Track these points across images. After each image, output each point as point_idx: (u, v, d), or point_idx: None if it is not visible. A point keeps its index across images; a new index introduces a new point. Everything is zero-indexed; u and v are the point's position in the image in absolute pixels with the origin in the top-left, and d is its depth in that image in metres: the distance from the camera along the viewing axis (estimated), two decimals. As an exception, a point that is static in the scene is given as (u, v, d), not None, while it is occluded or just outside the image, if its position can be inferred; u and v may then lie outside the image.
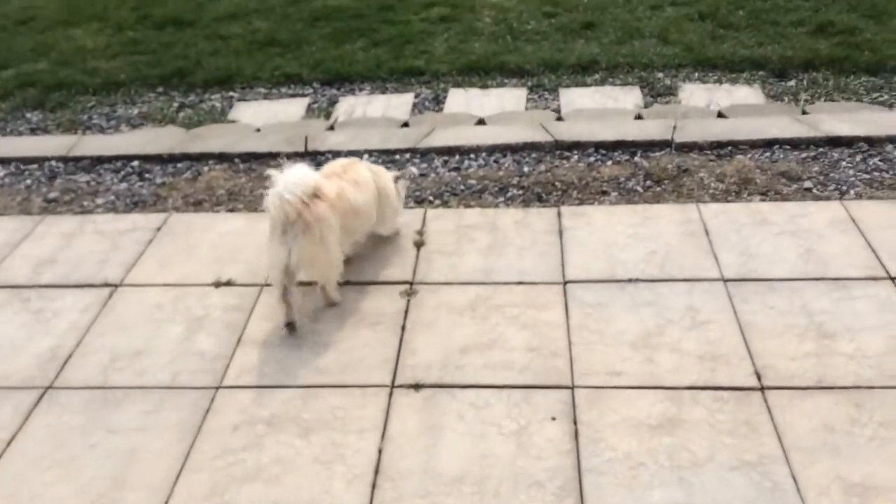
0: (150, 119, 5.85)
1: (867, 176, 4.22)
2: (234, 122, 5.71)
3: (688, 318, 3.31)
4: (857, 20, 6.38)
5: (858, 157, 4.42)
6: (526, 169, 4.61)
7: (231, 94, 6.21)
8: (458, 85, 6.03)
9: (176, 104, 6.07)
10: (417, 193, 4.46)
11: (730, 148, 4.58)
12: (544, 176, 4.45)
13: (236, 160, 5.04)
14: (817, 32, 6.28)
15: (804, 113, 5.05)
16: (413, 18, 7.18)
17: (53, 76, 6.50)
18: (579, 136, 4.85)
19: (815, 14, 6.59)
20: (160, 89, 6.31)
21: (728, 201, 4.04)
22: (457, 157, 4.89)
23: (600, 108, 5.42)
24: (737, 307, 3.34)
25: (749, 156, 4.46)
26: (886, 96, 5.36)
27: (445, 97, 5.86)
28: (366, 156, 4.91)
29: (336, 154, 4.86)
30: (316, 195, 3.24)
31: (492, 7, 7.32)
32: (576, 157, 4.64)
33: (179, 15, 7.48)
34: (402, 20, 7.14)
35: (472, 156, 4.87)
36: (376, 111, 5.68)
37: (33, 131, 5.78)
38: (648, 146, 4.63)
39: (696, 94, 5.62)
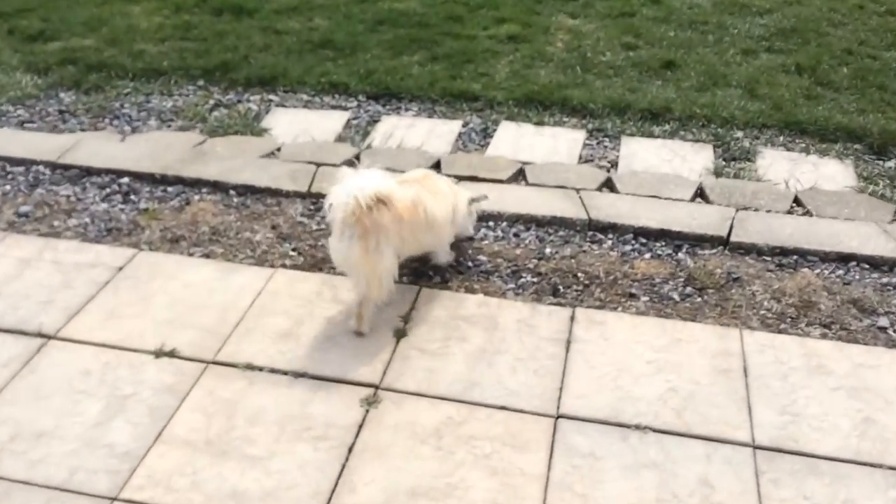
0: (181, 115, 5.52)
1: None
2: (265, 130, 5.32)
3: (698, 496, 2.68)
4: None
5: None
6: (548, 250, 3.99)
7: (272, 96, 5.83)
8: (512, 117, 5.49)
9: (212, 102, 5.72)
10: (416, 265, 3.83)
11: (796, 257, 3.83)
12: (567, 262, 3.85)
13: (231, 192, 4.55)
14: (932, 103, 5.49)
15: None
16: (480, 34, 6.65)
17: (97, 55, 6.24)
18: (618, 218, 4.18)
19: (933, 81, 5.77)
20: (200, 82, 5.98)
21: (780, 331, 3.34)
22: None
23: (659, 173, 4.78)
24: (763, 491, 2.68)
25: (817, 271, 3.72)
26: None
27: (495, 130, 5.33)
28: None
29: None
30: (383, 202, 3.09)
31: (568, 31, 6.73)
32: (610, 242, 4.01)
33: (241, 1, 7.15)
34: (467, 34, 6.62)
35: (490, 223, 4.27)
36: (416, 139, 5.20)
37: (61, 114, 5.53)
38: (698, 241, 3.95)
39: (776, 163, 4.94)
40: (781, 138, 5.25)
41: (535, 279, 3.76)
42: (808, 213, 4.31)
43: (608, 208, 4.25)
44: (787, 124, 5.32)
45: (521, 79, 5.93)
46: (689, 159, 5.00)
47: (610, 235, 4.09)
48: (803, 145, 5.15)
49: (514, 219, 4.27)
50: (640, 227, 4.10)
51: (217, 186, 4.56)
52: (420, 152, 4.97)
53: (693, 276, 3.65)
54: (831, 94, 5.67)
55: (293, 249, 4.01)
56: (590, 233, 4.09)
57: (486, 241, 4.09)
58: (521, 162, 4.89)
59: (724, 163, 4.97)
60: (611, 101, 5.59)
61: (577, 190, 4.48)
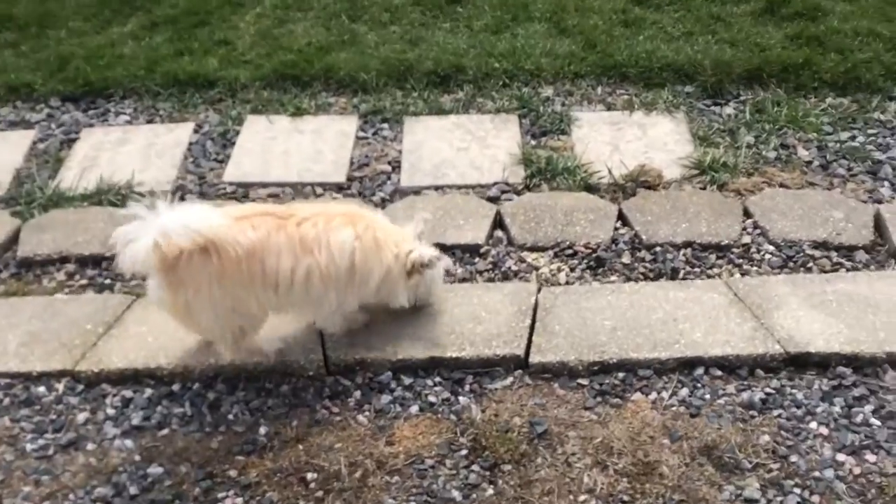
0: None
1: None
2: None
3: None
4: (820, -7, 4.68)
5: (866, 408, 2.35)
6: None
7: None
8: (260, 108, 4.13)
9: None
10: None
11: (623, 375, 2.48)
12: (293, 451, 2.43)
13: None
14: (766, 14, 4.57)
15: (746, 215, 3.25)
16: (216, -22, 5.09)
17: None
18: (367, 350, 2.68)
19: (763, -19, 4.83)
20: None
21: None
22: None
23: (450, 183, 3.59)
24: None
25: (653, 395, 2.43)
26: (868, 136, 3.76)
27: (239, 131, 3.98)
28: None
29: None
30: (202, 247, 2.38)
31: (331, -42, 5.27)
32: (358, 393, 2.59)
33: None
34: (199, -19, 5.05)
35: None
36: (127, 164, 3.77)
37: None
38: (487, 367, 2.54)
39: (595, 132, 3.91)
40: (599, 90, 4.20)
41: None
42: (635, 240, 3.16)
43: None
44: (605, 69, 4.27)
45: (271, 43, 4.52)
46: (491, 142, 3.88)
47: (406, 379, 2.56)
48: (626, 97, 4.13)
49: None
50: (400, 360, 2.61)
51: None
52: (109, 214, 3.43)
53: (481, 441, 2.34)
54: (652, 14, 4.64)
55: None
56: (325, 392, 2.60)
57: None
58: (271, 191, 3.60)
59: (533, 141, 3.89)
60: (387, 63, 4.32)
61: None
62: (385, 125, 4.03)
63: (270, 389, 2.56)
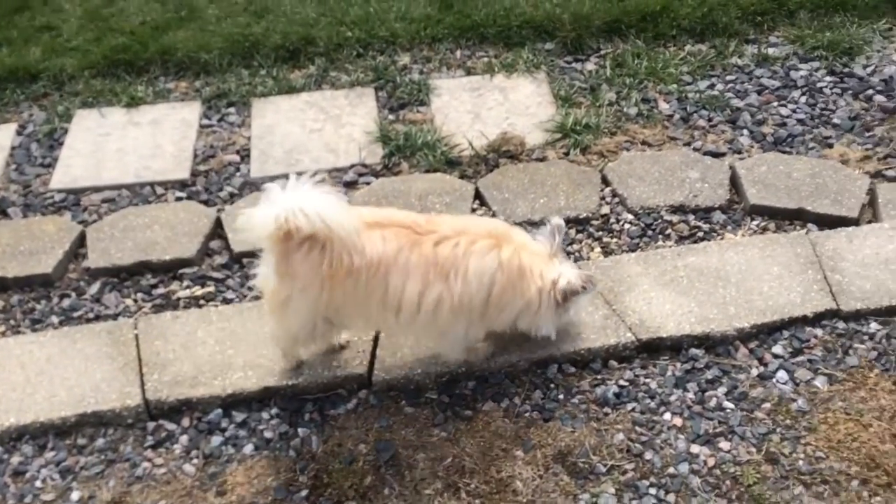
0: None
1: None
2: None
3: None
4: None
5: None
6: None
7: None
8: (91, 100, 3.76)
9: None
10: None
11: (472, 384, 2.30)
12: None
13: None
14: (623, -39, 4.44)
15: (604, 183, 3.11)
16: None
17: None
18: (176, 390, 2.42)
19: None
20: None
21: None
22: None
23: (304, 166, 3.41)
24: None
25: (505, 403, 2.27)
26: (727, 83, 3.71)
27: (68, 129, 3.62)
28: None
29: None
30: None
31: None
32: (185, 440, 2.34)
33: None
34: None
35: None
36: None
37: None
38: (328, 391, 2.34)
39: (456, 100, 3.73)
40: (458, 53, 4.01)
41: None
42: (483, 210, 3.04)
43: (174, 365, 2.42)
44: (463, 31, 4.06)
45: (100, 25, 4.11)
46: (346, 120, 3.65)
47: (239, 415, 2.33)
48: (486, 60, 3.95)
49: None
50: (231, 395, 2.35)
51: None
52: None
53: (323, 478, 2.14)
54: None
55: None
56: (147, 441, 2.32)
57: None
58: (105, 196, 3.28)
59: (391, 115, 3.68)
60: (231, 40, 3.99)
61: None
62: (231, 109, 3.74)
63: (84, 445, 2.30)
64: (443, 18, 4.10)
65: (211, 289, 2.77)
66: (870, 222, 2.90)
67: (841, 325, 2.41)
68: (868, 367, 2.31)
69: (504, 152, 3.48)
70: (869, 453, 2.11)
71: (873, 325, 2.41)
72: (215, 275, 2.81)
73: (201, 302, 2.72)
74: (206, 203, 3.26)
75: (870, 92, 3.64)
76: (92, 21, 4.14)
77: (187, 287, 2.77)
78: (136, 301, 2.74)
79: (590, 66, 3.92)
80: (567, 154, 3.46)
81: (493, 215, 3.02)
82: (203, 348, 2.42)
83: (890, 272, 2.51)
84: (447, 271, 2.17)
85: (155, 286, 2.79)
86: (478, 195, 3.11)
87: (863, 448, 2.12)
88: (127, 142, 3.55)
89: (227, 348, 2.41)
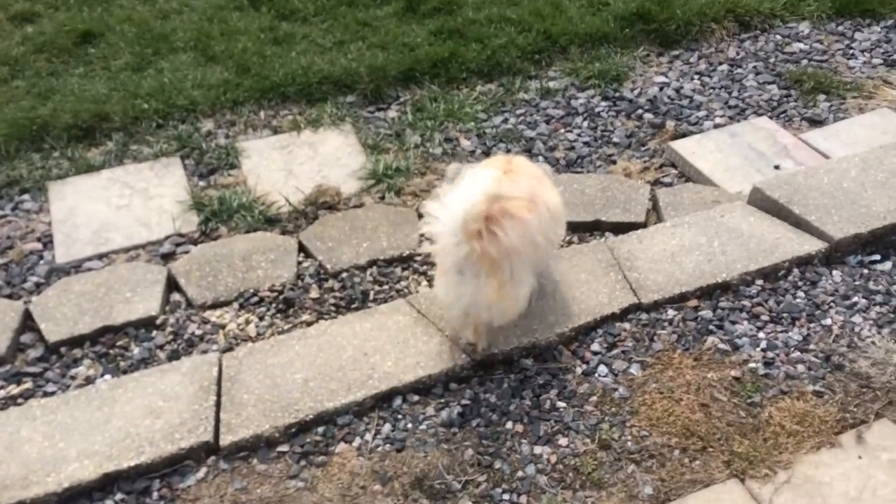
0: None
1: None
2: None
3: None
4: (452, -14, 4.91)
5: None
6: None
7: None
8: None
9: None
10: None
11: (323, 429, 2.33)
12: None
13: None
14: (408, 13, 4.70)
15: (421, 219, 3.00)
16: None
17: None
18: None
19: (400, -20, 4.97)
20: None
21: None
22: None
23: (109, 252, 3.24)
24: None
25: (357, 442, 2.31)
26: (518, 116, 4.02)
27: None
28: None
29: None
30: (496, 218, 2.18)
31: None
32: None
33: None
34: None
35: None
36: None
37: None
38: (171, 466, 2.24)
39: (267, 160, 3.76)
40: (262, 114, 4.05)
41: None
42: (321, 271, 3.04)
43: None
44: (264, 92, 4.11)
45: None
46: (155, 192, 3.56)
47: None
48: (291, 117, 4.03)
49: None
50: (67, 489, 2.17)
51: None
52: None
53: None
54: (301, 28, 4.56)
55: None
56: None
57: None
58: None
59: (202, 182, 3.64)
60: (16, 125, 3.78)
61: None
62: (26, 196, 3.53)
63: None
64: (241, 82, 4.14)
65: (28, 385, 2.58)
66: (656, 224, 3.27)
67: (644, 315, 2.69)
68: (672, 349, 2.59)
69: (322, 204, 3.55)
70: (684, 424, 2.36)
71: (670, 312, 2.71)
72: (31, 370, 2.62)
73: (20, 400, 2.53)
74: (10, 297, 3.05)
75: (639, 111, 4.09)
76: None
77: (1, 388, 2.57)
78: (-59, 413, 2.50)
79: (392, 113, 4.11)
80: (383, 198, 3.59)
81: (320, 265, 3.08)
82: (30, 446, 2.25)
83: (677, 264, 2.84)
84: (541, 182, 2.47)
85: (-37, 393, 2.56)
86: (302, 248, 3.15)
87: (678, 421, 2.37)
88: None
89: (56, 441, 2.26)
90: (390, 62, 4.28)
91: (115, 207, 3.48)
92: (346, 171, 3.72)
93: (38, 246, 3.31)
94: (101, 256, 3.26)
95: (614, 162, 3.80)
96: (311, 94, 4.13)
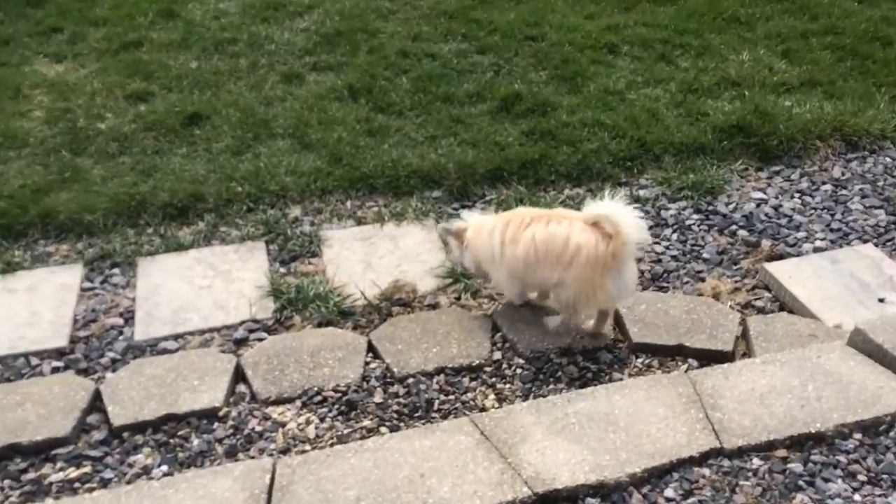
0: None
1: None
2: None
3: None
4: (548, 87, 4.93)
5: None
6: None
7: None
8: (-36, 266, 3.61)
9: None
10: None
11: None
12: None
13: None
14: (502, 112, 4.72)
15: (495, 328, 3.21)
16: None
17: None
18: None
19: (497, 77, 5.03)
20: None
21: None
22: None
23: (178, 346, 3.25)
24: None
25: None
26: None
27: (-65, 301, 3.43)
28: None
29: None
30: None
31: (50, 86, 4.84)
32: None
33: None
34: None
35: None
36: None
37: None
38: None
39: (347, 251, 3.77)
40: (349, 204, 4.09)
41: None
42: (387, 375, 2.97)
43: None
44: (353, 182, 4.17)
45: (-23, 189, 4.00)
46: (237, 275, 3.62)
47: None
48: (376, 209, 4.05)
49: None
50: None
51: None
52: None
53: None
54: (395, 121, 4.64)
55: None
56: None
57: None
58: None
59: (282, 268, 3.68)
60: (116, 200, 3.95)
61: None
62: (116, 270, 3.65)
63: None
64: (332, 171, 4.22)
65: (87, 469, 2.59)
66: (744, 354, 3.05)
67: (726, 462, 2.47)
68: (755, 504, 2.37)
69: (396, 300, 3.51)
70: None
71: (755, 461, 2.48)
72: (92, 453, 2.63)
73: (76, 485, 2.53)
74: (85, 371, 3.11)
75: (733, 227, 3.92)
76: (-32, 184, 4.03)
77: (60, 469, 2.58)
78: (2, 490, 2.52)
79: (477, 210, 4.08)
80: (458, 298, 3.53)
81: (387, 367, 3.01)
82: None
83: (765, 407, 2.62)
84: None
85: (25, 471, 2.58)
86: (371, 348, 3.10)
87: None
88: (0, 311, 3.39)
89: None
90: (480, 160, 4.28)
91: (198, 288, 3.55)
92: (425, 268, 3.68)
93: (120, 321, 3.39)
94: (177, 337, 3.30)
95: (703, 279, 3.63)
96: (399, 186, 4.17)
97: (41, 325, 3.32)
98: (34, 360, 3.17)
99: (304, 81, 4.98)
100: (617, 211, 2.85)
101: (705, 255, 3.76)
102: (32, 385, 2.86)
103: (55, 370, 3.12)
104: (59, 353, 3.20)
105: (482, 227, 3.13)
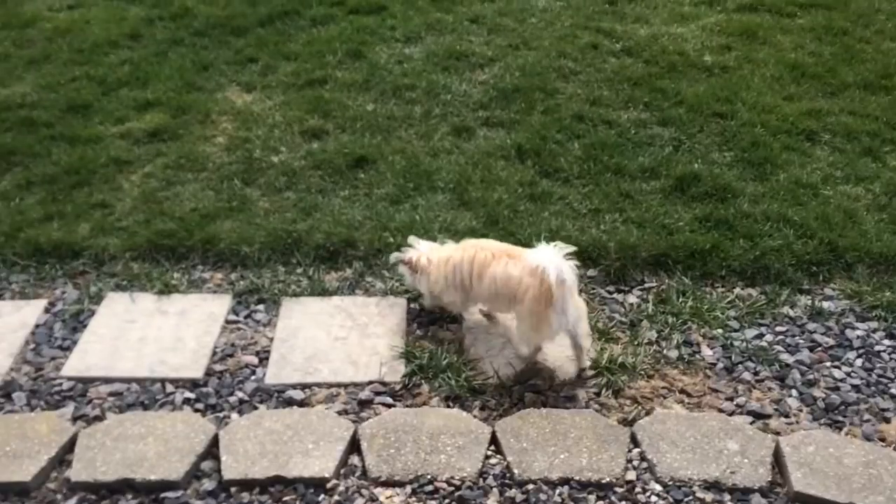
0: None
1: None
2: None
3: None
4: (731, 171, 4.54)
5: None
6: None
7: None
8: (126, 283, 3.77)
9: None
10: None
11: None
12: None
13: None
14: (676, 193, 4.38)
15: (633, 442, 2.92)
16: (109, 132, 4.84)
17: None
18: None
19: (676, 154, 4.70)
20: None
21: None
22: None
23: (300, 401, 3.21)
24: None
25: None
26: (777, 334, 3.49)
27: (95, 311, 3.60)
28: None
29: None
30: None
31: (237, 114, 5.07)
32: None
33: None
34: (91, 134, 4.80)
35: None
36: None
37: None
38: None
39: (489, 324, 3.60)
40: (497, 271, 3.92)
41: None
42: (506, 475, 2.76)
43: None
44: (505, 248, 4.00)
45: (153, 208, 4.21)
46: (373, 330, 3.54)
47: None
48: (525, 281, 3.85)
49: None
50: None
51: None
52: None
53: None
54: (560, 188, 4.43)
55: None
56: None
57: None
58: (113, 389, 3.16)
59: (419, 331, 3.56)
60: (274, 235, 4.02)
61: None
62: (260, 307, 3.69)
63: None
64: (487, 234, 4.06)
65: (190, 520, 2.57)
66: (931, 531, 2.56)
67: None
68: None
69: (530, 385, 3.29)
70: None
71: None
72: (197, 503, 2.61)
73: (175, 536, 2.51)
74: (213, 408, 3.13)
75: (933, 363, 3.37)
76: (146, 202, 4.26)
77: (166, 514, 2.58)
78: (109, 526, 2.55)
79: (632, 298, 3.78)
80: (598, 394, 3.25)
81: (507, 467, 2.78)
82: None
83: None
84: None
85: (134, 510, 2.60)
86: (494, 439, 2.89)
87: None
88: (150, 331, 3.51)
89: None
90: (644, 242, 3.98)
91: (333, 338, 3.50)
92: (567, 353, 3.43)
93: (255, 360, 3.40)
94: (304, 387, 3.26)
95: (888, 420, 3.12)
96: (552, 260, 3.94)
97: (183, 352, 3.39)
98: (169, 388, 3.23)
99: (474, 136, 4.90)
100: (544, 259, 3.12)
101: (894, 391, 3.24)
102: (158, 419, 2.90)
103: (186, 401, 3.17)
104: (193, 384, 3.25)
105: (440, 258, 3.46)
